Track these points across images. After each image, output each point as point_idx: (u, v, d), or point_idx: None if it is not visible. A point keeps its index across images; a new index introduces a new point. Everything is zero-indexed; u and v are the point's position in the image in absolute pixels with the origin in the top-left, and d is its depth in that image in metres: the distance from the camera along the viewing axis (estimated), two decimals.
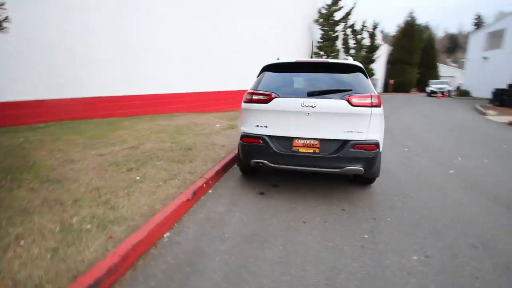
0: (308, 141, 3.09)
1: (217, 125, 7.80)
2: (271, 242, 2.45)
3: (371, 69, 23.02)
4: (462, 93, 25.10)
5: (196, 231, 2.60)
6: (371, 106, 3.00)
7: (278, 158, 3.15)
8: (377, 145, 3.02)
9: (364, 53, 20.21)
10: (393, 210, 3.11)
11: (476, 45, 25.33)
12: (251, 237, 2.53)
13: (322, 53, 15.61)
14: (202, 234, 2.56)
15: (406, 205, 3.25)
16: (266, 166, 3.22)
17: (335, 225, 2.77)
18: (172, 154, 4.56)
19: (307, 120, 3.07)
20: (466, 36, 48.59)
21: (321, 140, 3.06)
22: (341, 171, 3.05)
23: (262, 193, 3.48)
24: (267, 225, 2.74)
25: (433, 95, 25.60)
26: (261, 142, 3.17)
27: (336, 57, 15.29)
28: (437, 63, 40.00)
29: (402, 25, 36.05)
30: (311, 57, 16.12)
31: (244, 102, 3.37)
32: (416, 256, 2.28)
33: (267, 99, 3.16)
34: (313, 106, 3.02)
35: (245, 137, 3.29)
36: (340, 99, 3.04)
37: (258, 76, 3.72)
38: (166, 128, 6.54)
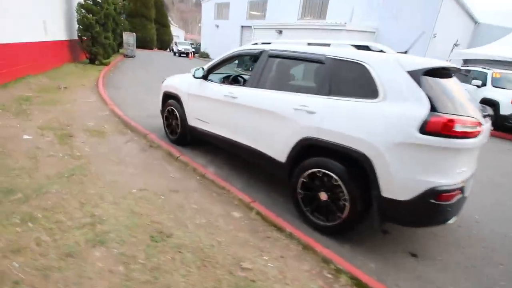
0: None
1: (25, 136, 3.78)
2: None
3: (122, 22, 19.82)
4: (203, 55, 28.57)
5: None
6: None
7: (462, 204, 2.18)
8: None
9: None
10: None
11: (208, 13, 29.09)
12: None
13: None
14: None
15: None
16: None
17: None
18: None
19: None
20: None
21: None
22: None
23: (414, 255, 2.28)
24: None
25: (183, 55, 26.66)
26: (461, 193, 2.01)
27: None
28: (169, 22, 41.68)
29: None
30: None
31: (447, 136, 1.80)
32: None
33: (479, 131, 1.94)
34: None
35: (445, 193, 1.87)
36: None
37: (409, 82, 1.95)
38: None
